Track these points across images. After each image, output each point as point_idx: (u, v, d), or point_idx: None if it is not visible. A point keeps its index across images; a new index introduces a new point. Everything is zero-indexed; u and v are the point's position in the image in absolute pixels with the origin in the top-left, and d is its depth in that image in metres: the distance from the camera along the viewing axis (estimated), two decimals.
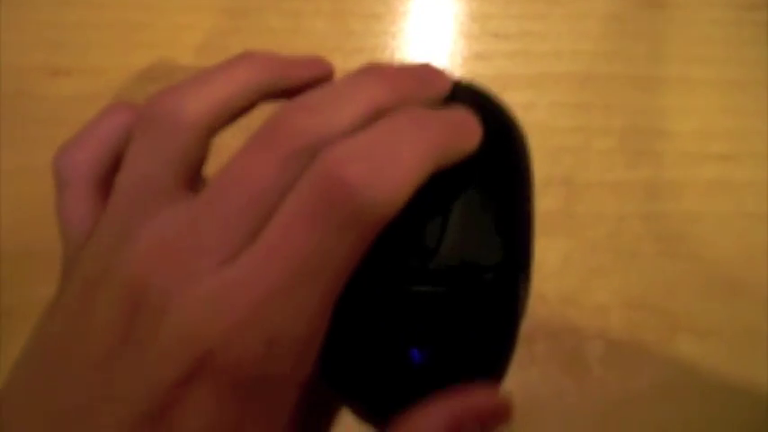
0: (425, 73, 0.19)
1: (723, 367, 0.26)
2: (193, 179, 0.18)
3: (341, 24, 0.28)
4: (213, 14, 0.28)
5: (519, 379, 0.26)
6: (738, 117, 0.28)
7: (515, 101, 0.26)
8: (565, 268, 0.27)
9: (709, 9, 0.29)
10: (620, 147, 0.27)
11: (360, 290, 0.23)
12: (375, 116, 0.17)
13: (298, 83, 0.19)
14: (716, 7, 0.29)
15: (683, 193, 0.27)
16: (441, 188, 0.23)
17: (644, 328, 0.27)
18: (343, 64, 0.28)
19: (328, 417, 0.22)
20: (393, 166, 0.16)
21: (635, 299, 0.27)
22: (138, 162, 0.17)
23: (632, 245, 0.27)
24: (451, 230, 0.23)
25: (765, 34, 0.28)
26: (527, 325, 0.25)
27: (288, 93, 0.19)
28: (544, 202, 0.26)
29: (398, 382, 0.24)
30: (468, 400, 0.19)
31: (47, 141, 0.27)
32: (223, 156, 0.16)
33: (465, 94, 0.25)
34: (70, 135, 0.27)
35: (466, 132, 0.19)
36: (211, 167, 0.25)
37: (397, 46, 0.28)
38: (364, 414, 0.25)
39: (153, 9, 0.28)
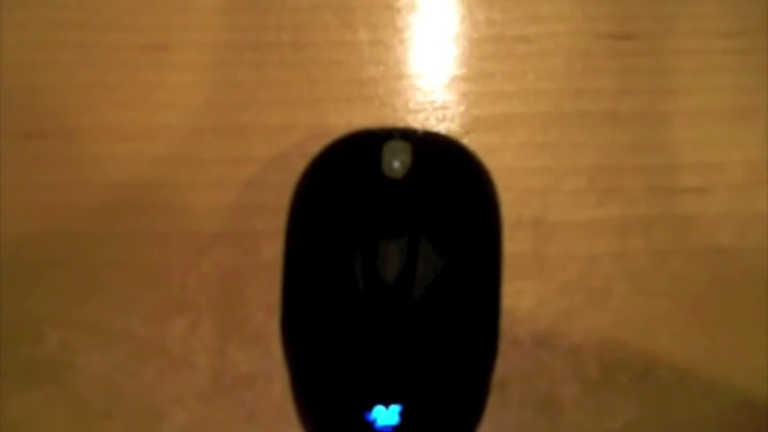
0: None
1: (700, 404, 0.26)
2: None
3: (302, 74, 0.28)
4: (178, 71, 0.28)
5: (493, 424, 0.26)
6: (710, 148, 0.27)
7: (481, 143, 0.26)
8: (537, 311, 0.27)
9: (677, 39, 0.28)
10: (589, 185, 0.27)
11: (329, 342, 0.24)
12: None
13: None
14: (683, 37, 0.28)
15: (653, 230, 0.27)
16: (409, 243, 0.24)
17: (618, 367, 0.26)
18: (308, 116, 0.28)
19: None
20: None
21: (609, 339, 0.27)
22: None
23: (604, 284, 0.27)
24: (420, 286, 0.24)
25: (735, 62, 0.28)
26: (501, 369, 0.25)
27: None
28: (514, 245, 0.26)
29: None
30: None
31: (24, 206, 0.28)
32: None
33: (431, 145, 0.25)
34: (47, 199, 0.28)
35: None
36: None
37: (360, 94, 0.28)
38: None
39: (124, 69, 0.29)
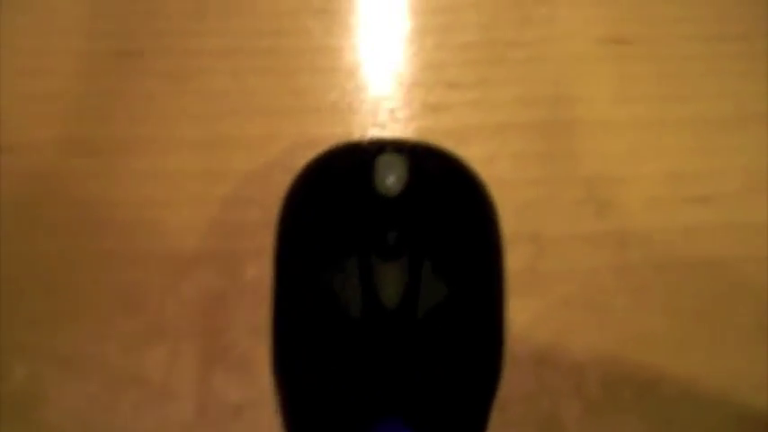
0: None
1: (703, 418, 0.26)
2: None
3: (282, 82, 0.26)
4: (152, 77, 0.27)
5: None
6: (711, 156, 0.26)
7: (475, 154, 0.25)
8: (537, 327, 0.26)
9: (677, 43, 0.27)
10: (588, 196, 0.26)
11: (325, 367, 0.23)
12: None
13: None
14: (684, 41, 0.27)
15: (653, 242, 0.26)
16: (409, 264, 0.22)
17: (621, 383, 0.26)
18: (290, 126, 0.26)
19: None
20: None
21: (610, 355, 0.26)
22: None
23: (604, 299, 0.26)
24: (421, 308, 0.22)
25: (736, 67, 0.27)
26: (501, 389, 0.24)
27: None
28: (511, 260, 0.25)
29: None
30: None
31: None
32: None
33: (426, 158, 0.24)
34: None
35: None
36: None
37: (345, 102, 0.26)
38: None
39: (92, 77, 0.27)
